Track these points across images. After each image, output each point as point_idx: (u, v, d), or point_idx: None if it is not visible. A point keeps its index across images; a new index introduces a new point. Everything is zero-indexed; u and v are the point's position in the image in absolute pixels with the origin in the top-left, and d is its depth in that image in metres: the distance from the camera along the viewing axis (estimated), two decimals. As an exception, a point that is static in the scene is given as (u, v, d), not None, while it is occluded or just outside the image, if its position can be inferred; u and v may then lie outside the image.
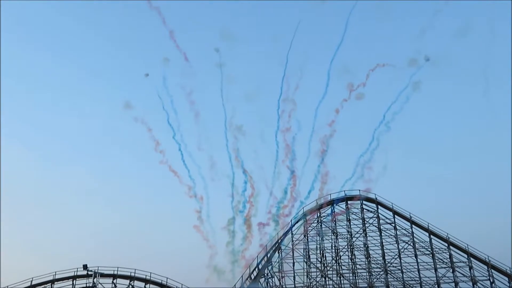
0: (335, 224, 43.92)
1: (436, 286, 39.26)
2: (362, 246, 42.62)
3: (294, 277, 40.93)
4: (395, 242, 41.85)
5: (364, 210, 44.13)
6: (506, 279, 38.52)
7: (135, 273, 40.16)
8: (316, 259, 42.44)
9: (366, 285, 40.81)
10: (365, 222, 43.52)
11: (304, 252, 42.30)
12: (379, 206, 43.76)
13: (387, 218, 43.17)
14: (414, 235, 41.68)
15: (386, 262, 41.15)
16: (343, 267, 42.35)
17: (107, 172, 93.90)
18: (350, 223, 43.79)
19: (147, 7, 48.95)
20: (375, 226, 43.07)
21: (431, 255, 40.48)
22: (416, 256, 40.69)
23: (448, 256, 40.23)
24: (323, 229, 43.80)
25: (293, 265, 41.42)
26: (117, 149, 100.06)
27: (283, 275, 40.91)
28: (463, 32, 47.87)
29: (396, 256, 41.13)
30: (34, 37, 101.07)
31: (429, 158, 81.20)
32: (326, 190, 44.40)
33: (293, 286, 40.63)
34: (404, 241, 41.69)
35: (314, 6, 49.59)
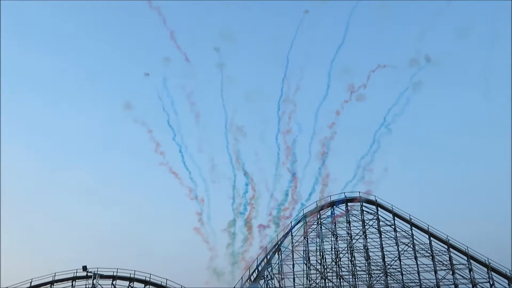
0: (335, 226, 43.91)
1: (436, 288, 39.27)
2: (362, 248, 42.59)
3: (293, 279, 40.89)
4: (395, 244, 41.84)
5: (364, 212, 44.13)
6: (506, 281, 38.52)
7: (134, 274, 40.20)
8: (316, 261, 42.39)
9: (366, 287, 40.78)
10: (365, 224, 43.50)
11: (304, 254, 42.26)
12: (379, 208, 43.76)
13: (387, 220, 43.19)
14: (414, 237, 41.70)
15: (386, 264, 41.13)
16: (343, 269, 42.30)
17: (107, 173, 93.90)
18: (350, 225, 43.78)
19: (147, 7, 49.00)
20: (375, 228, 43.06)
21: (431, 257, 40.47)
22: (416, 258, 40.68)
23: (448, 258, 40.22)
24: (323, 231, 43.78)
25: (293, 267, 41.38)
26: (117, 150, 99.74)
27: (282, 277, 40.82)
28: (464, 33, 47.93)
29: (396, 258, 41.12)
30: (33, 38, 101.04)
31: (429, 160, 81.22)
32: (327, 192, 44.46)
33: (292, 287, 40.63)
34: (404, 243, 41.68)
35: (315, 6, 49.39)
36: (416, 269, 40.25)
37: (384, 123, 45.80)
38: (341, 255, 42.64)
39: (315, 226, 44.05)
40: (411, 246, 41.29)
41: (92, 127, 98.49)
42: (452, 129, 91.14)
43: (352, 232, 43.39)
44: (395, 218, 42.84)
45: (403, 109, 45.91)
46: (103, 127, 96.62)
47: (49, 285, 39.27)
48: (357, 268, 42.02)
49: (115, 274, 39.78)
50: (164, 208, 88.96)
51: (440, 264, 40.17)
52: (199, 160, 46.80)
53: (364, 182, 43.39)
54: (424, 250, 40.96)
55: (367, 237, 42.90)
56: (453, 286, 39.12)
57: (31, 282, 38.94)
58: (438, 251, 40.74)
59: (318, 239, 43.26)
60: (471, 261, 39.71)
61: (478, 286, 38.85)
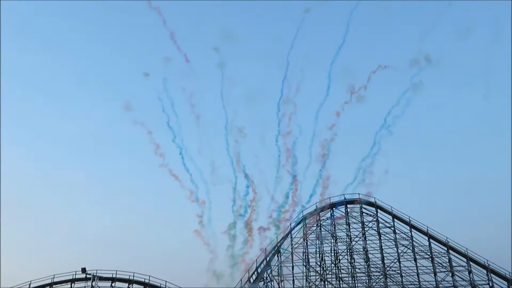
0: (334, 228, 43.88)
1: (435, 290, 39.22)
2: (362, 250, 42.56)
3: (293, 280, 40.85)
4: (394, 246, 41.81)
5: (364, 214, 44.09)
6: (506, 283, 38.49)
7: (134, 276, 40.09)
8: (316, 262, 42.36)
9: (365, 289, 40.77)
10: (365, 226, 43.47)
11: (303, 255, 42.21)
12: (378, 210, 43.74)
13: (386, 222, 43.15)
14: (414, 239, 41.66)
15: (386, 266, 41.09)
16: (342, 271, 42.29)
17: (106, 174, 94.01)
18: (349, 227, 43.76)
19: (147, 7, 48.85)
20: (375, 230, 43.03)
21: (430, 259, 40.44)
22: (415, 260, 40.63)
23: (447, 260, 40.19)
24: (322, 233, 43.74)
25: (292, 269, 41.32)
26: (117, 152, 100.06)
27: (282, 278, 40.80)
28: (465, 33, 47.87)
29: (396, 260, 41.07)
30: (33, 38, 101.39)
31: (429, 162, 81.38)
32: (327, 195, 44.40)
33: (292, 289, 40.58)
34: (403, 245, 41.66)
35: (315, 7, 49.30)
36: (415, 271, 40.20)
37: (385, 124, 45.73)
38: (340, 257, 42.62)
39: (315, 228, 44.01)
40: (411, 248, 41.25)
41: (91, 128, 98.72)
42: (452, 130, 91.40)
43: (351, 234, 43.34)
44: (395, 220, 42.82)
45: (404, 110, 45.81)
46: (102, 128, 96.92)
47: (48, 287, 39.09)
48: (357, 270, 42.00)
49: (114, 276, 39.67)
50: (164, 210, 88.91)
51: (439, 266, 40.15)
52: (199, 162, 46.68)
53: (364, 184, 43.36)
54: (424, 252, 40.92)
55: (367, 239, 42.87)
56: (452, 288, 39.13)
57: (30, 284, 38.80)
58: (438, 253, 40.71)
59: (317, 241, 43.22)
60: (471, 263, 39.68)
61: (477, 288, 38.86)
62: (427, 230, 41.57)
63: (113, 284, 39.70)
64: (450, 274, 39.53)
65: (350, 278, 41.68)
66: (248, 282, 39.09)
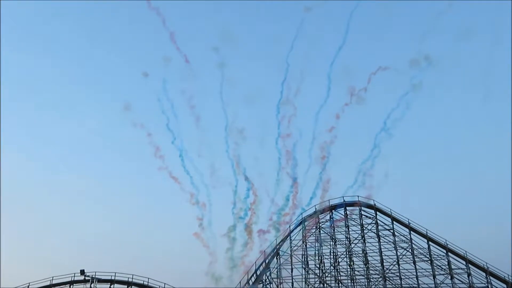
0: (333, 230, 43.86)
1: (434, 292, 39.21)
2: (361, 252, 42.55)
3: (292, 283, 40.84)
4: (393, 249, 41.78)
5: (363, 217, 44.09)
6: (505, 286, 38.47)
7: (132, 278, 40.06)
8: (315, 265, 42.35)
9: (364, 291, 40.74)
10: (364, 228, 43.46)
11: (302, 258, 42.20)
12: (377, 213, 43.73)
13: (385, 224, 43.13)
14: (413, 241, 41.62)
15: (385, 269, 41.08)
16: (341, 273, 42.30)
17: (106, 176, 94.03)
18: (348, 229, 43.74)
19: (146, 8, 48.60)
20: (374, 233, 43.01)
21: (429, 261, 40.41)
22: (414, 262, 40.60)
23: (446, 263, 40.16)
24: (322, 235, 43.73)
25: (292, 271, 41.32)
26: (116, 153, 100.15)
27: (281, 281, 40.78)
28: (465, 34, 47.78)
29: (395, 263, 41.06)
30: (32, 39, 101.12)
31: (428, 164, 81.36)
32: (327, 197, 44.36)
33: (291, 292, 40.55)
34: (402, 248, 41.62)
35: (315, 7, 49.16)
36: (414, 273, 40.15)
37: (385, 127, 45.64)
38: (339, 260, 42.62)
39: (314, 230, 44.00)
40: (410, 250, 41.24)
41: (91, 130, 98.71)
42: (452, 132, 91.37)
43: (350, 237, 43.34)
44: (394, 222, 42.80)
45: (404, 112, 45.66)
46: (102, 130, 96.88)
47: (47, 288, 39.14)
48: (356, 272, 42.00)
49: (113, 278, 39.66)
50: (163, 212, 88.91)
51: (438, 268, 40.11)
52: (199, 165, 46.55)
53: (364, 187, 43.28)
54: (423, 255, 40.90)
55: (366, 241, 42.85)
56: (451, 290, 39.10)
57: (28, 285, 38.86)
58: (437, 255, 40.68)
59: (317, 243, 43.20)
60: (470, 265, 39.64)
61: (476, 290, 38.83)
62: (426, 232, 41.55)
63: (112, 286, 39.67)
64: (449, 277, 39.51)
65: (349, 281, 41.67)
66: (247, 284, 39.06)
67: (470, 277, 39.29)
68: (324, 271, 42.22)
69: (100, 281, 39.01)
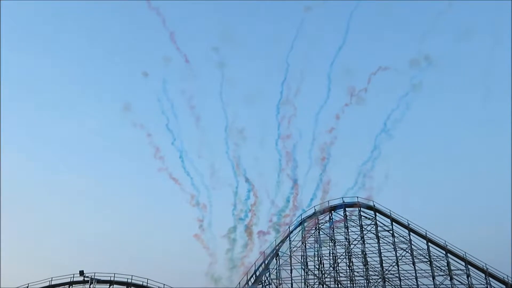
0: (333, 231, 43.84)
1: (433, 294, 39.19)
2: (360, 253, 42.53)
3: (291, 284, 40.84)
4: (393, 250, 41.77)
5: (362, 218, 44.07)
6: (504, 287, 38.46)
7: (132, 279, 39.99)
8: (314, 266, 42.33)
9: (363, 292, 40.72)
10: (363, 229, 43.43)
11: (302, 259, 42.19)
12: (377, 214, 43.70)
13: (385, 225, 43.12)
14: (412, 242, 41.61)
15: (384, 270, 41.06)
16: (341, 274, 42.28)
17: (105, 177, 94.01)
18: (348, 230, 43.73)
19: (146, 8, 48.59)
20: (373, 234, 42.99)
21: (428, 262, 40.41)
22: (414, 263, 40.59)
23: (446, 264, 40.15)
24: (321, 236, 43.71)
25: (291, 272, 41.31)
26: (116, 154, 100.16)
27: (280, 281, 40.76)
28: (465, 34, 47.74)
29: (394, 264, 41.04)
30: (31, 39, 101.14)
31: (428, 165, 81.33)
32: (327, 199, 44.32)
33: (290, 293, 40.54)
34: (402, 249, 41.61)
35: (315, 7, 49.07)
36: (414, 274, 40.15)
37: (385, 128, 45.57)
38: (339, 260, 42.59)
39: (313, 231, 43.97)
40: (409, 251, 41.22)
41: (91, 130, 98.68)
42: (452, 132, 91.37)
43: (350, 238, 43.33)
44: (393, 223, 42.79)
45: (404, 113, 45.60)
46: (102, 130, 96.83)
47: (46, 289, 39.13)
48: (355, 273, 41.98)
49: (112, 279, 39.60)
50: (163, 213, 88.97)
51: (438, 269, 40.10)
52: (199, 166, 46.43)
53: (365, 189, 43.23)
54: (422, 256, 40.89)
55: (365, 242, 42.83)
56: (451, 291, 39.08)
57: (27, 286, 38.90)
58: (436, 256, 40.67)
59: (316, 244, 43.18)
60: (469, 266, 39.62)
61: (475, 291, 38.80)
62: (426, 233, 41.53)
63: (111, 287, 39.60)
64: (449, 278, 39.50)
65: (348, 282, 41.65)
66: (246, 285, 39.04)
67: (469, 278, 39.28)
68: (323, 272, 42.19)
69: (100, 281, 38.94)
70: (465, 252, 40.12)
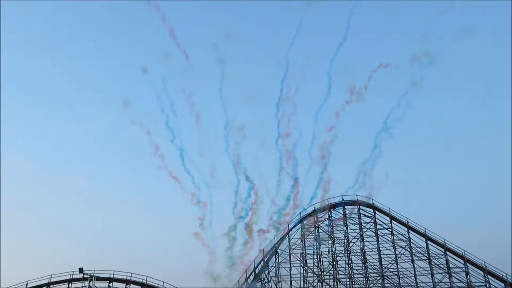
0: (332, 229, 43.89)
1: (432, 291, 39.23)
2: (359, 251, 42.59)
3: (290, 281, 40.87)
4: (392, 247, 41.81)
5: (362, 215, 44.14)
6: (503, 285, 38.50)
7: (131, 276, 40.08)
8: (313, 263, 42.36)
9: (362, 290, 40.77)
10: (362, 227, 43.50)
11: (301, 256, 42.23)
12: (376, 212, 43.75)
13: (384, 223, 43.19)
14: (411, 240, 41.66)
15: (383, 267, 41.10)
16: (339, 272, 42.33)
17: (105, 176, 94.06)
18: (347, 228, 43.79)
19: (146, 5, 48.20)
20: (372, 231, 43.05)
21: (427, 260, 40.45)
22: (412, 261, 40.64)
23: (444, 262, 40.19)
24: (320, 234, 43.76)
25: (290, 270, 41.34)
26: (116, 152, 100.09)
27: (279, 279, 40.80)
28: (466, 33, 47.64)
29: (393, 261, 41.09)
30: (31, 39, 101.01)
31: (428, 164, 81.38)
32: (328, 198, 44.23)
33: (289, 290, 40.58)
34: (401, 246, 41.67)
35: (316, 5, 48.81)
36: (413, 272, 40.22)
37: (385, 127, 45.39)
38: (338, 258, 42.65)
39: (313, 229, 44.01)
40: (408, 249, 41.27)
41: (90, 130, 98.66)
42: (452, 132, 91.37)
43: (349, 235, 43.39)
44: (393, 221, 42.85)
45: (404, 112, 45.30)
46: (101, 129, 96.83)
47: (45, 287, 39.15)
48: (354, 271, 42.07)
49: (111, 276, 39.64)
50: (162, 212, 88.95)
51: (437, 267, 40.16)
52: (199, 164, 46.15)
53: (365, 187, 43.12)
54: (421, 254, 40.93)
55: (364, 240, 42.90)
56: (449, 289, 39.12)
57: (27, 284, 38.83)
58: (435, 254, 40.72)
59: (315, 242, 43.21)
60: (468, 264, 39.67)
61: (474, 289, 38.84)
62: (425, 231, 41.58)
63: (110, 284, 39.67)
64: (448, 276, 39.55)
65: (347, 279, 41.72)
66: (245, 283, 39.08)
67: (468, 276, 39.33)
68: (322, 269, 42.25)
69: (99, 279, 39.00)
70: (464, 250, 40.20)
